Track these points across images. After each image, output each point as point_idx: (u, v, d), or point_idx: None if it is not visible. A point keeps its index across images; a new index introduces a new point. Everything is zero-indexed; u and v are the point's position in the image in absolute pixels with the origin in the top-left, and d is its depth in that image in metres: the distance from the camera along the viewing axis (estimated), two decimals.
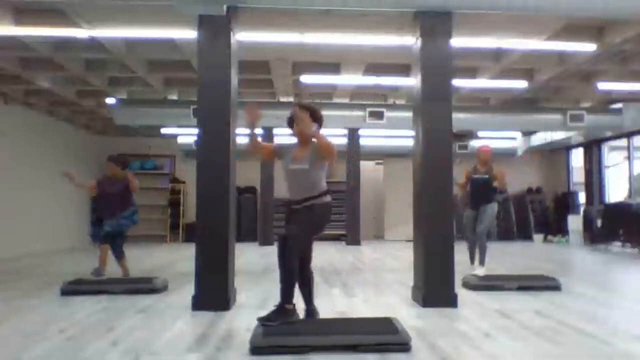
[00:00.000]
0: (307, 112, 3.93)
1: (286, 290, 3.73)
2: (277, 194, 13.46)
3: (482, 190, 6.85)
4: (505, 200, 14.97)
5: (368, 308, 4.99)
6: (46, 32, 6.52)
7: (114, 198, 6.57)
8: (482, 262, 6.69)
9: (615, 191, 13.24)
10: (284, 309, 3.71)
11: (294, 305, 3.78)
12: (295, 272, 3.78)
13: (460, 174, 6.78)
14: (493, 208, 6.84)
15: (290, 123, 4.02)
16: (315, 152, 3.86)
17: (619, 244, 11.35)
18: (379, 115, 10.17)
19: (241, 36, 5.69)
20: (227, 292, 4.91)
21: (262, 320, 3.67)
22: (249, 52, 7.07)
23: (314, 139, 3.89)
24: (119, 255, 6.62)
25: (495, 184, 6.91)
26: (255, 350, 3.41)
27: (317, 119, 3.93)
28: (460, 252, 5.73)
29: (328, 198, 3.92)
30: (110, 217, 6.53)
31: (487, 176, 6.86)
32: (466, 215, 7.02)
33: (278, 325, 3.63)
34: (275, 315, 3.69)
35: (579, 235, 12.94)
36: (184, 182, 14.61)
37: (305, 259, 3.96)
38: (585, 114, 10.39)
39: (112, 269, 6.69)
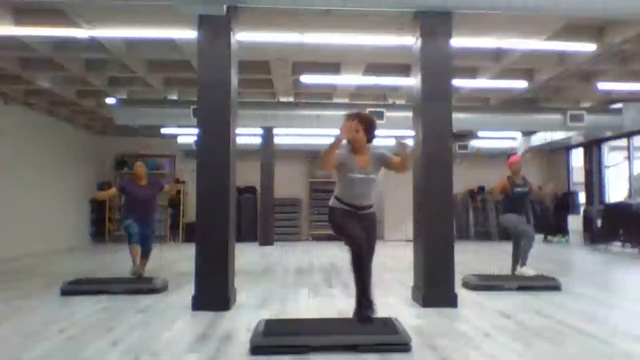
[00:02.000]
0: (361, 123, 4.00)
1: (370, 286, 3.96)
2: (277, 194, 13.50)
3: (524, 201, 6.82)
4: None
5: None
6: (46, 32, 6.51)
7: (149, 205, 6.66)
8: (524, 262, 6.64)
9: (615, 191, 13.24)
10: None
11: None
12: None
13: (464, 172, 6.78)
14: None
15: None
16: (378, 162, 4.05)
17: (619, 244, 11.35)
18: (379, 115, 10.14)
19: (241, 36, 5.69)
20: (227, 292, 4.91)
21: (367, 318, 3.84)
22: (249, 52, 7.07)
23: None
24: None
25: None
26: (255, 350, 3.42)
27: (371, 132, 4.05)
28: (461, 252, 5.73)
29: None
30: (149, 222, 6.61)
31: (527, 189, 6.79)
32: (509, 219, 6.76)
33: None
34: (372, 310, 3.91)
35: (579, 235, 12.94)
36: (184, 182, 14.61)
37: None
38: (585, 114, 10.38)
39: (113, 269, 6.69)
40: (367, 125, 4.01)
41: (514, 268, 6.68)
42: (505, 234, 6.93)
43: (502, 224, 7.00)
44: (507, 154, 7.35)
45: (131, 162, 7.06)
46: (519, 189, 6.72)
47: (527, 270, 6.57)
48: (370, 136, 4.04)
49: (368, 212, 4.07)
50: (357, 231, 3.91)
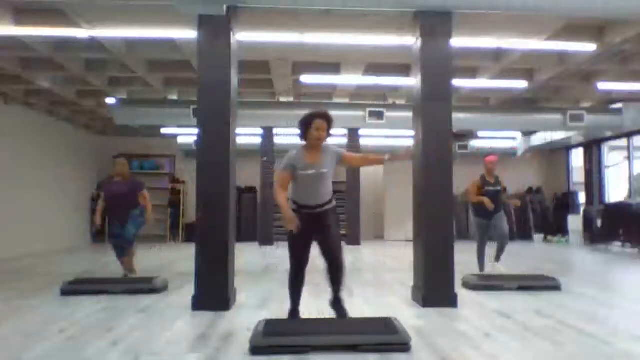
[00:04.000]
0: (327, 123, 4.11)
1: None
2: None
3: (496, 201, 6.81)
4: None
5: (368, 308, 4.98)
6: (46, 32, 6.52)
7: (125, 200, 6.55)
8: (498, 259, 6.90)
9: (615, 191, 13.24)
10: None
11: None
12: None
13: (464, 182, 6.93)
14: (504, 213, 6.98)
15: (305, 127, 4.06)
16: (331, 158, 4.09)
17: (619, 244, 11.35)
18: (379, 115, 10.17)
19: (241, 36, 5.69)
20: (227, 292, 4.91)
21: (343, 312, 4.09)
22: (249, 52, 7.07)
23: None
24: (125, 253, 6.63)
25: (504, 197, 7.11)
26: (255, 350, 3.42)
27: (329, 131, 4.16)
28: (460, 252, 5.73)
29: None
30: (128, 219, 6.51)
31: (499, 188, 6.89)
32: (478, 224, 7.00)
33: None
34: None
35: (579, 235, 12.94)
36: (183, 182, 14.61)
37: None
38: (585, 114, 10.39)
39: (113, 269, 6.69)
40: (330, 125, 4.11)
41: (481, 269, 6.92)
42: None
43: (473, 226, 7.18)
44: (486, 153, 7.43)
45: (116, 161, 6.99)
46: (490, 188, 6.85)
47: (500, 267, 6.83)
48: (328, 134, 4.12)
49: (324, 209, 4.08)
50: (300, 250, 4.07)
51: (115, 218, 6.59)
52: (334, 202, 4.19)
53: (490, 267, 6.89)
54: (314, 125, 4.03)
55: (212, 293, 4.84)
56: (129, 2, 5.51)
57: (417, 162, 5.39)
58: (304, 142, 4.13)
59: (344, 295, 4.28)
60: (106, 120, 12.29)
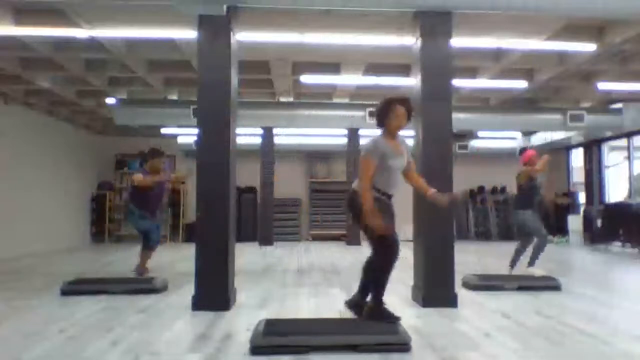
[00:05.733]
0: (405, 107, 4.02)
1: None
2: (277, 194, 13.49)
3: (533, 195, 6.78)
4: (505, 201, 14.99)
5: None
6: (46, 32, 6.51)
7: (157, 199, 6.73)
8: (532, 263, 6.75)
9: (615, 191, 13.24)
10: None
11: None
12: None
13: (464, 182, 6.83)
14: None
15: (383, 115, 3.99)
16: (407, 150, 4.08)
17: (619, 244, 11.35)
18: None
19: (241, 36, 5.69)
20: (227, 292, 4.91)
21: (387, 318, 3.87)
22: (249, 52, 7.07)
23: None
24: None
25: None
26: (255, 350, 3.41)
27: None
28: (460, 252, 5.73)
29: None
30: (154, 217, 6.68)
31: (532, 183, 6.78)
32: (533, 216, 6.75)
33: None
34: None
35: (579, 235, 12.94)
36: (183, 182, 14.61)
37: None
38: (585, 114, 10.39)
39: (114, 269, 6.69)
40: (411, 113, 4.04)
41: (513, 265, 6.73)
42: (522, 231, 6.85)
43: (523, 220, 6.77)
44: (521, 148, 7.23)
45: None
46: (534, 183, 6.75)
47: (535, 270, 6.65)
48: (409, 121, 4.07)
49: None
50: (394, 232, 3.97)
51: (153, 216, 6.72)
52: None
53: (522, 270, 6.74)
54: (396, 112, 3.94)
55: (212, 293, 4.84)
56: (129, 2, 5.50)
57: (417, 162, 5.39)
58: (381, 130, 4.05)
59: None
60: (106, 120, 12.29)
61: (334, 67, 8.49)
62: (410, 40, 5.54)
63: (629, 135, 12.11)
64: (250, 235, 13.65)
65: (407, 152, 4.11)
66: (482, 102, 11.19)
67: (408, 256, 5.46)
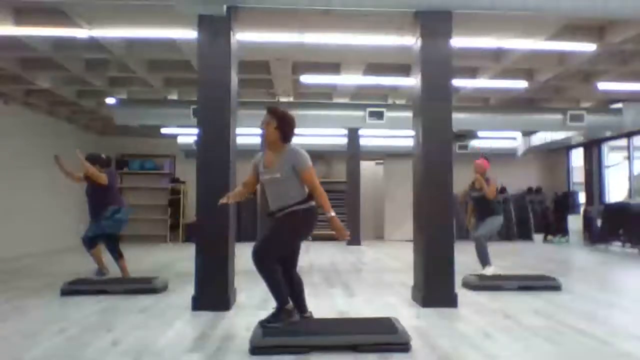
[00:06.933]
0: (274, 119, 3.76)
1: (277, 293, 3.68)
2: None
3: (479, 205, 6.76)
4: (505, 201, 14.98)
5: (368, 308, 4.99)
6: (46, 32, 6.51)
7: (90, 199, 6.59)
8: (484, 264, 6.63)
9: (615, 191, 13.24)
10: (283, 309, 3.69)
11: (292, 305, 3.75)
12: (276, 273, 3.67)
13: (464, 182, 6.92)
14: (494, 220, 6.66)
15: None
16: (289, 161, 3.66)
17: (619, 244, 11.35)
18: (379, 115, 10.16)
19: (241, 36, 5.69)
20: (227, 292, 4.91)
21: (264, 323, 3.65)
22: (249, 52, 7.07)
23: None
24: (115, 256, 6.58)
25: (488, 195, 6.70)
26: (255, 350, 3.41)
27: (284, 130, 3.74)
28: (461, 252, 5.73)
29: (308, 205, 3.72)
30: (93, 219, 6.57)
31: (477, 193, 6.73)
32: (472, 225, 6.99)
33: (281, 327, 3.60)
34: (275, 317, 3.67)
35: (579, 235, 12.94)
36: (184, 182, 14.61)
37: (288, 263, 3.87)
38: (585, 114, 10.38)
39: (114, 270, 6.69)
40: (279, 122, 3.73)
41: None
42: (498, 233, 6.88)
43: (499, 224, 6.84)
44: (481, 155, 7.31)
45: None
46: (473, 194, 6.79)
47: (487, 269, 6.57)
48: (284, 134, 3.74)
49: (279, 216, 3.70)
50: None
51: (90, 218, 6.74)
52: None
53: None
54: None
55: (212, 293, 4.84)
56: (129, 2, 5.50)
57: (417, 162, 5.40)
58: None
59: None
60: (106, 120, 12.28)
61: (334, 67, 8.48)
62: (410, 40, 5.54)
63: (629, 135, 12.10)
64: (250, 235, 13.63)
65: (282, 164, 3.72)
66: (482, 102, 11.18)
67: (404, 256, 5.44)
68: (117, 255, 6.57)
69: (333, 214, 3.63)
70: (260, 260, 3.63)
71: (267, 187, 3.81)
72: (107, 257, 6.71)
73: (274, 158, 3.75)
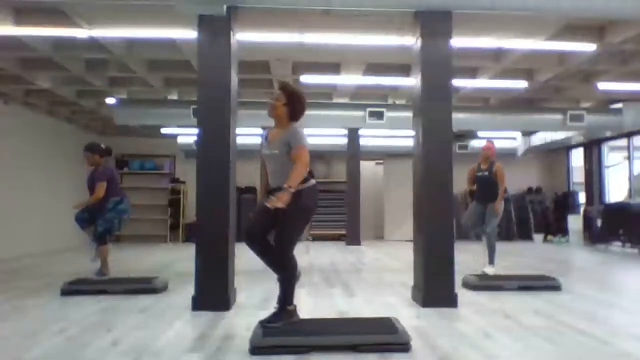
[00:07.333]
0: (284, 95, 3.72)
1: (289, 292, 3.71)
2: None
3: (486, 187, 6.82)
4: (505, 200, 14.98)
5: (368, 308, 4.99)
6: (46, 32, 6.51)
7: (92, 192, 6.51)
8: (491, 262, 6.69)
9: (615, 191, 13.24)
10: (286, 309, 3.70)
11: (295, 305, 3.77)
12: (295, 270, 3.72)
13: (464, 172, 6.99)
14: (494, 212, 6.72)
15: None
16: (286, 141, 3.61)
17: (619, 244, 11.35)
18: (379, 115, 10.16)
19: (241, 36, 5.69)
20: (227, 292, 4.91)
21: (265, 323, 3.65)
22: (249, 52, 7.07)
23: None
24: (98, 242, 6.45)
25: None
26: (255, 350, 3.41)
27: (292, 107, 3.70)
28: (461, 252, 5.73)
29: (309, 183, 3.65)
30: (98, 212, 6.44)
31: (487, 173, 6.85)
32: (470, 208, 7.04)
33: (281, 327, 3.61)
34: (276, 317, 3.67)
35: (579, 235, 12.94)
36: (184, 182, 14.61)
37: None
38: (585, 114, 10.38)
39: (114, 270, 6.69)
40: (289, 98, 3.70)
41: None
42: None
43: (501, 211, 6.88)
44: (488, 140, 7.39)
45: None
46: (479, 173, 6.89)
47: (490, 269, 6.64)
48: (292, 111, 3.71)
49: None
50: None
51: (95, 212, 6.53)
52: None
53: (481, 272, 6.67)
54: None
55: (212, 293, 4.84)
56: (129, 2, 5.50)
57: (417, 162, 5.39)
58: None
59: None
60: (106, 120, 12.28)
61: (334, 67, 8.48)
62: (410, 40, 5.54)
63: (629, 135, 12.10)
64: None
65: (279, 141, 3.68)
66: (482, 102, 11.18)
67: (404, 256, 5.45)
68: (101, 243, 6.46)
69: (292, 190, 3.42)
70: (282, 260, 3.64)
71: (267, 162, 3.81)
72: (111, 257, 6.70)
73: (277, 134, 3.72)
